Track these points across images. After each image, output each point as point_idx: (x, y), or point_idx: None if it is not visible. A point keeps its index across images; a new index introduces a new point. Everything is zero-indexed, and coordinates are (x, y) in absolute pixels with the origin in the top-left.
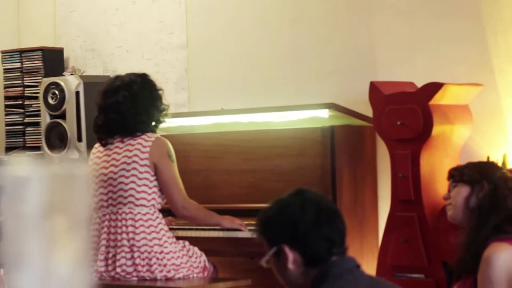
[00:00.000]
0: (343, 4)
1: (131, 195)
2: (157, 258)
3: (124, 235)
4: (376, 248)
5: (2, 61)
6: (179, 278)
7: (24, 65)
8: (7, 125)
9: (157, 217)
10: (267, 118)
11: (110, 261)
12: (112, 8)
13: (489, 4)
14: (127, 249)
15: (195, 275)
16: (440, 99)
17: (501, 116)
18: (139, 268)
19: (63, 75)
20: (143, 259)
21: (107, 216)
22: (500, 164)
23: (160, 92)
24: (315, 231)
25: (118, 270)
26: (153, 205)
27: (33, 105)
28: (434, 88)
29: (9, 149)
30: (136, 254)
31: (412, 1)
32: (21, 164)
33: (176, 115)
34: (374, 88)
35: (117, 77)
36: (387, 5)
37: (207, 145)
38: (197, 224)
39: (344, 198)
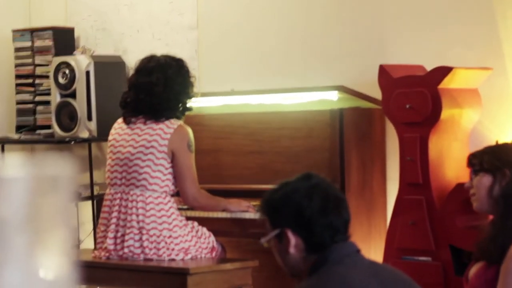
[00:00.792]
0: None
1: (144, 179)
2: (166, 242)
3: (134, 217)
4: (384, 231)
5: (13, 39)
6: (187, 259)
7: (35, 44)
8: (17, 103)
9: (169, 201)
10: (277, 100)
11: (118, 240)
12: None
13: None
14: (136, 231)
15: (203, 255)
16: (449, 83)
17: (510, 100)
18: (146, 250)
19: (74, 55)
20: (152, 242)
21: (119, 195)
22: None
23: (193, 79)
24: (320, 219)
25: (126, 250)
26: (165, 191)
27: (44, 84)
28: (443, 72)
29: (19, 127)
30: (144, 237)
31: None
32: (4, 165)
33: None
34: (383, 71)
35: (152, 57)
36: None
37: (216, 126)
38: (205, 212)
39: (353, 181)
